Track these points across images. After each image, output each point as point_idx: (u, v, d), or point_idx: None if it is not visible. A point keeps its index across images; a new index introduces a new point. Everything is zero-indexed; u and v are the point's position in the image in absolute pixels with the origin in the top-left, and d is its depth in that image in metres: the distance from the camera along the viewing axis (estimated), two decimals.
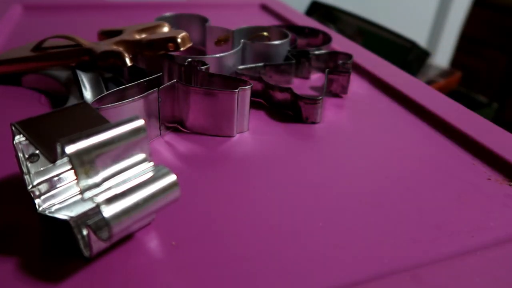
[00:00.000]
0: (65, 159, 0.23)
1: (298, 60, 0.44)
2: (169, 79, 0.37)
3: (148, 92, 0.31)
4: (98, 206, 0.19)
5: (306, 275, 0.21)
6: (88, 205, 0.23)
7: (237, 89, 0.32)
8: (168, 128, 0.34)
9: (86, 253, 0.21)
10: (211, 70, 0.36)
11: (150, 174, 0.21)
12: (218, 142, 0.33)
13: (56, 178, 0.24)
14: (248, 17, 0.68)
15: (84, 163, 0.19)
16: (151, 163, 0.22)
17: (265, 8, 0.73)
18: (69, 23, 0.59)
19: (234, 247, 0.23)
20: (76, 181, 0.22)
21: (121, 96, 0.30)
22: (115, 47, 0.37)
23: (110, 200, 0.19)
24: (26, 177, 0.23)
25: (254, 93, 0.38)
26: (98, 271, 0.21)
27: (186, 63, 0.36)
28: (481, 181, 0.30)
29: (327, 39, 0.49)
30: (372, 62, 0.49)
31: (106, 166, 0.20)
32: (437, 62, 1.38)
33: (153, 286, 0.20)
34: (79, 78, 0.36)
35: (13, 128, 0.22)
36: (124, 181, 0.20)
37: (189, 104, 0.33)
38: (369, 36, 0.91)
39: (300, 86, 0.44)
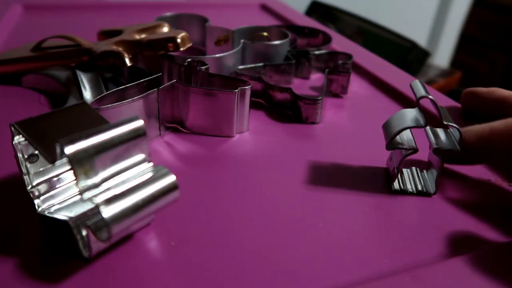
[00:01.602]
0: (65, 160, 0.23)
1: (298, 60, 0.44)
2: (169, 79, 0.37)
3: (148, 92, 0.31)
4: (97, 206, 0.19)
5: (306, 275, 0.21)
6: (88, 206, 0.23)
7: (237, 89, 0.32)
8: (167, 128, 0.34)
9: (85, 253, 0.21)
10: (211, 70, 0.36)
11: (150, 175, 0.21)
12: (218, 142, 0.33)
13: (55, 179, 0.24)
14: (248, 17, 0.68)
15: (83, 164, 0.19)
16: (151, 164, 0.22)
17: (265, 8, 0.73)
18: (69, 23, 0.59)
19: (233, 247, 0.23)
20: (75, 181, 0.22)
21: (121, 96, 0.30)
22: (114, 47, 0.37)
23: (109, 201, 0.19)
24: (26, 177, 0.23)
25: (254, 93, 0.38)
26: (98, 272, 0.21)
27: (186, 63, 0.36)
28: (481, 182, 0.30)
29: (327, 39, 0.49)
30: (372, 62, 0.49)
31: (105, 166, 0.20)
32: (437, 62, 1.38)
33: (152, 286, 0.20)
34: (79, 78, 0.36)
35: (13, 128, 0.22)
36: (123, 182, 0.20)
37: (189, 104, 0.33)
38: (369, 36, 0.91)
39: (300, 86, 0.44)
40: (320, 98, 0.36)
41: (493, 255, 0.23)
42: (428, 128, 0.29)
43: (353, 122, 0.37)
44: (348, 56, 0.44)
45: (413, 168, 0.30)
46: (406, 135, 0.28)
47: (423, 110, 0.27)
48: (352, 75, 0.46)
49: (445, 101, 0.41)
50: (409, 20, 1.33)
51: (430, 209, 0.27)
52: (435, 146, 0.27)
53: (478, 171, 0.31)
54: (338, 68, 0.42)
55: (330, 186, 0.28)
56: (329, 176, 0.30)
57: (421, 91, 0.26)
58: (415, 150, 0.27)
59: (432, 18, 1.42)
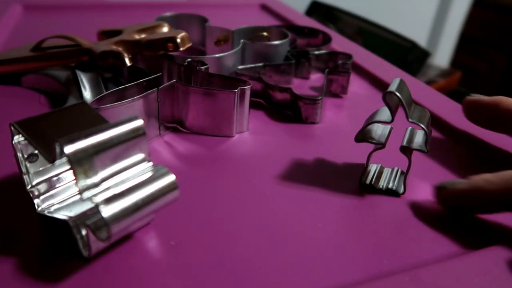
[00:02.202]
0: (64, 159, 0.23)
1: (298, 60, 0.44)
2: (169, 79, 0.37)
3: (148, 92, 0.31)
4: (97, 206, 0.19)
5: (306, 275, 0.21)
6: (87, 205, 0.23)
7: (236, 89, 0.32)
8: (167, 128, 0.34)
9: (85, 253, 0.21)
10: (211, 70, 0.36)
11: (149, 174, 0.21)
12: (218, 142, 0.33)
13: (55, 178, 0.24)
14: (248, 17, 0.68)
15: (83, 163, 0.19)
16: (150, 163, 0.22)
17: (265, 8, 0.73)
18: (69, 23, 0.59)
19: (233, 247, 0.23)
20: (75, 181, 0.22)
21: (121, 96, 0.30)
22: (114, 47, 0.37)
23: (109, 200, 0.19)
24: (25, 177, 0.23)
25: (253, 93, 0.38)
26: (97, 271, 0.21)
27: (185, 63, 0.36)
28: None
29: (327, 39, 0.49)
30: (372, 62, 0.49)
31: (105, 166, 0.20)
32: (437, 62, 1.38)
33: (152, 286, 0.20)
34: (79, 78, 0.36)
35: (12, 128, 0.22)
36: (123, 181, 0.20)
37: (189, 104, 0.33)
38: (369, 36, 0.91)
39: (300, 86, 0.44)
40: (320, 98, 0.36)
41: (493, 255, 0.23)
42: (409, 128, 0.29)
43: (353, 122, 0.37)
44: (348, 56, 0.44)
45: (395, 168, 0.30)
46: (383, 131, 0.29)
47: (391, 108, 0.27)
48: (352, 75, 0.46)
49: (445, 101, 0.41)
50: (409, 20, 1.33)
51: (430, 209, 0.27)
52: (403, 144, 0.27)
53: (477, 171, 0.31)
54: (338, 68, 0.42)
55: (330, 186, 0.28)
56: (329, 176, 0.30)
57: (391, 87, 0.26)
58: (382, 146, 0.28)
59: (432, 18, 1.42)
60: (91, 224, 0.20)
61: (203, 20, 0.49)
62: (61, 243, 0.22)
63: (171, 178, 0.21)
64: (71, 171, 0.20)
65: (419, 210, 0.27)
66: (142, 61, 0.40)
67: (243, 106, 0.33)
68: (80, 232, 0.21)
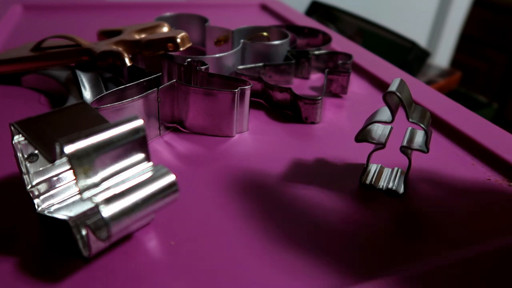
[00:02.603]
0: (64, 159, 0.23)
1: (298, 60, 0.44)
2: (169, 79, 0.37)
3: (148, 92, 0.31)
4: (97, 206, 0.19)
5: (306, 276, 0.21)
6: (87, 205, 0.23)
7: (236, 89, 0.32)
8: (167, 128, 0.34)
9: (85, 253, 0.21)
10: (211, 70, 0.36)
11: (149, 174, 0.21)
12: (218, 142, 0.33)
13: (55, 178, 0.24)
14: (248, 17, 0.68)
15: (83, 163, 0.19)
16: (150, 163, 0.22)
17: (265, 8, 0.73)
18: (69, 23, 0.59)
19: (232, 247, 0.23)
20: (75, 181, 0.22)
21: (121, 96, 0.30)
22: (114, 47, 0.37)
23: (109, 200, 0.19)
24: (25, 177, 0.23)
25: (253, 93, 0.38)
26: (97, 271, 0.21)
27: (185, 63, 0.36)
28: (481, 181, 0.30)
29: (327, 39, 0.49)
30: (372, 62, 0.49)
31: (105, 166, 0.20)
32: (437, 62, 1.38)
33: (152, 286, 0.20)
34: (79, 78, 0.36)
35: (12, 128, 0.22)
36: (123, 181, 0.20)
37: (189, 104, 0.33)
38: (369, 36, 0.91)
39: (300, 86, 0.44)
40: (319, 98, 0.36)
41: (493, 255, 0.23)
42: (409, 128, 0.29)
43: (352, 122, 0.37)
44: (348, 56, 0.44)
45: (395, 168, 0.30)
46: (383, 131, 0.29)
47: (391, 108, 0.26)
48: (352, 75, 0.46)
49: (445, 101, 0.41)
50: (409, 20, 1.33)
51: (430, 209, 0.27)
52: (403, 144, 0.27)
53: (478, 171, 0.31)
54: (338, 68, 0.42)
55: (330, 186, 0.28)
56: (329, 176, 0.30)
57: (391, 87, 0.26)
58: (382, 146, 0.28)
59: (432, 18, 1.42)
60: (91, 224, 0.20)
61: (203, 20, 0.49)
62: (61, 243, 0.22)
63: (171, 178, 0.21)
64: (71, 171, 0.20)
65: (419, 210, 0.27)
66: (142, 61, 0.40)
67: (243, 106, 0.33)
68: (80, 232, 0.21)
